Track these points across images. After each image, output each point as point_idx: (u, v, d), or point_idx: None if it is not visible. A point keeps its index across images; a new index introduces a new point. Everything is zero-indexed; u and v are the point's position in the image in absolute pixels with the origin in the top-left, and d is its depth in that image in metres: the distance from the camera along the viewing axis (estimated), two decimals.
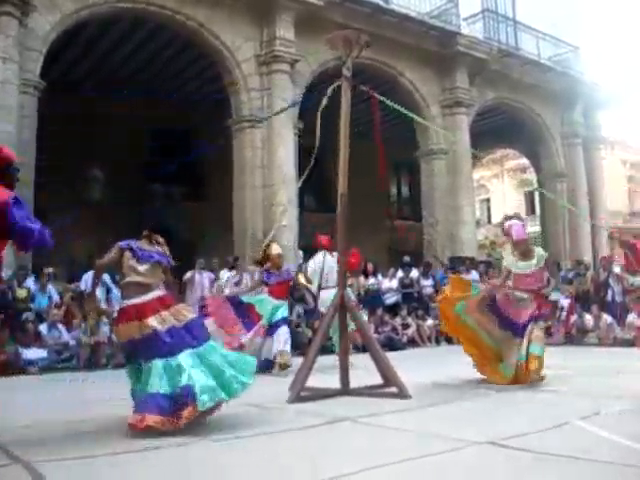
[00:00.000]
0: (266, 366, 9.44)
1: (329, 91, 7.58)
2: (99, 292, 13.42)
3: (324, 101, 7.63)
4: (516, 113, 24.26)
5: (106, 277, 13.68)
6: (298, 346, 13.71)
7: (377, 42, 16.75)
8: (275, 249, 10.39)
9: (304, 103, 15.00)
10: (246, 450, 4.33)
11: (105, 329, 12.49)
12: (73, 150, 18.65)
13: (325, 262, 10.88)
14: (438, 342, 15.84)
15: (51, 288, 12.93)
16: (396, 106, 8.21)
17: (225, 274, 14.46)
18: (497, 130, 25.66)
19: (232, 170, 17.32)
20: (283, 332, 9.74)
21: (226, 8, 16.87)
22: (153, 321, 5.37)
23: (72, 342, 11.73)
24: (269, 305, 9.73)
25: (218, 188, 20.00)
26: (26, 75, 13.98)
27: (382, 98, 8.23)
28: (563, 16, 25.29)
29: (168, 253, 5.91)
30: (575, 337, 14.93)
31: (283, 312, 10.01)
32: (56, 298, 12.84)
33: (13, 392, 8.05)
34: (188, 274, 14.18)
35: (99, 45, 17.71)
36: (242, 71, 17.14)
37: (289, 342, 9.88)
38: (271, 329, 9.70)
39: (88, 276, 13.51)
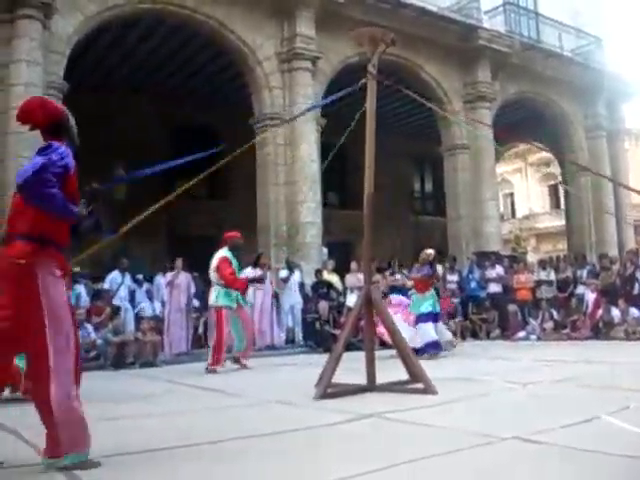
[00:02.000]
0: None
1: (359, 85, 7.57)
2: (123, 292, 13.59)
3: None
4: (539, 106, 24.11)
5: (127, 279, 13.81)
6: (323, 342, 13.76)
7: (398, 37, 16.67)
8: (425, 250, 11.83)
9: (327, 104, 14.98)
10: (272, 447, 4.33)
11: (131, 328, 12.61)
12: (96, 150, 18.74)
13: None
14: (464, 337, 15.81)
15: (80, 288, 13.02)
16: (423, 100, 8.14)
17: (249, 271, 14.42)
18: (520, 124, 25.50)
19: (254, 167, 17.37)
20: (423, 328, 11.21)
21: (246, 6, 16.90)
22: None
23: (99, 341, 11.82)
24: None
25: (240, 185, 20.07)
26: (50, 77, 14.11)
27: (409, 92, 8.20)
28: (585, 7, 25.13)
29: None
30: (602, 331, 14.82)
31: (427, 306, 11.41)
32: (85, 298, 12.95)
33: None
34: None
35: (121, 45, 17.80)
36: (263, 69, 17.18)
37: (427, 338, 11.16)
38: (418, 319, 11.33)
39: (112, 276, 13.67)
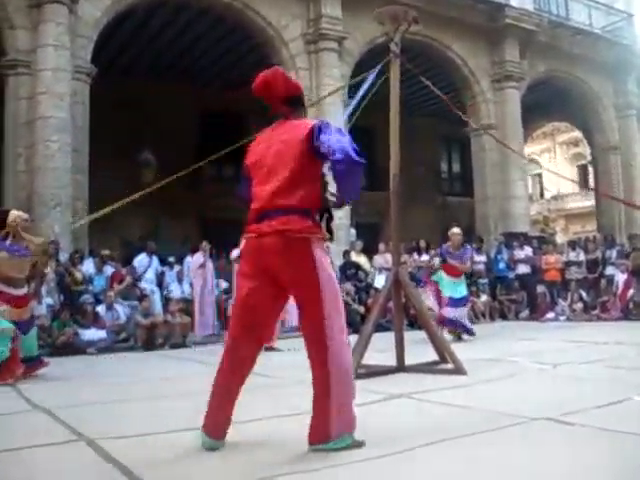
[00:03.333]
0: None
1: (381, 64, 7.56)
2: (150, 275, 13.71)
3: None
4: (568, 85, 23.80)
5: (155, 262, 13.92)
6: (350, 323, 13.78)
7: (425, 17, 16.50)
8: (454, 231, 11.33)
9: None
10: (302, 427, 4.35)
11: (159, 309, 12.71)
12: (124, 134, 18.88)
13: None
14: (493, 318, 15.76)
15: (110, 270, 13.16)
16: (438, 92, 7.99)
17: None
18: (549, 103, 25.21)
19: None
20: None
21: None
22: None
23: (124, 317, 12.01)
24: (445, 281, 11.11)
25: None
26: (77, 62, 14.20)
27: (428, 83, 8.12)
28: None
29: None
30: (632, 312, 14.70)
31: (462, 290, 11.15)
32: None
33: (74, 371, 8.24)
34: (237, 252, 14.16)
35: (147, 29, 17.82)
36: (289, 50, 17.12)
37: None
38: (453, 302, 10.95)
39: (140, 258, 13.80)
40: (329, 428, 3.57)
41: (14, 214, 7.46)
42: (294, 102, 3.90)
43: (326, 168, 3.72)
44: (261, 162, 3.81)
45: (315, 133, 3.61)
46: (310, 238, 3.62)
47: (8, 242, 7.24)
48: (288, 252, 3.60)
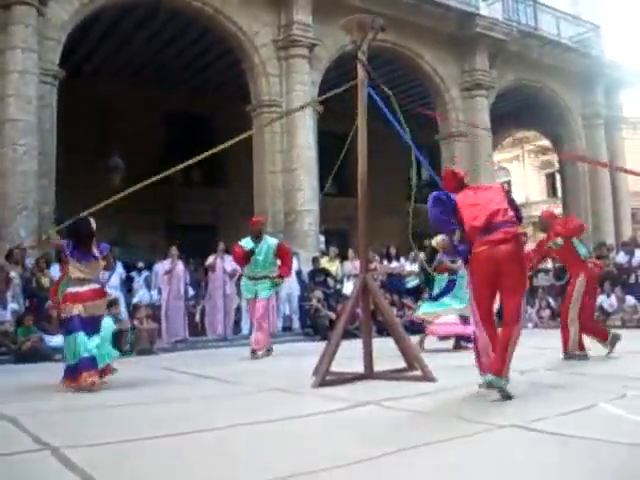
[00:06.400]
0: None
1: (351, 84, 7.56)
2: (114, 280, 13.53)
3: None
4: (537, 94, 24.05)
5: (119, 267, 13.77)
6: (319, 330, 13.78)
7: (395, 25, 16.67)
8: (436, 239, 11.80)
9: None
10: (269, 434, 4.33)
11: (125, 317, 12.58)
12: (92, 138, 18.72)
13: None
14: None
15: None
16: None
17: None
18: (518, 112, 25.44)
19: (251, 155, 17.32)
20: None
21: None
22: None
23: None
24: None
25: (237, 172, 20.03)
26: (45, 64, 14.06)
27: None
28: None
29: None
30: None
31: None
32: None
33: (38, 378, 8.13)
34: (210, 259, 14.15)
35: (116, 32, 17.70)
36: (260, 56, 17.12)
37: None
38: None
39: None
40: (502, 368, 5.28)
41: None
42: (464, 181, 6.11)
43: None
44: (475, 203, 5.62)
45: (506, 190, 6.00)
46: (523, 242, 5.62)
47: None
48: (518, 252, 5.36)
